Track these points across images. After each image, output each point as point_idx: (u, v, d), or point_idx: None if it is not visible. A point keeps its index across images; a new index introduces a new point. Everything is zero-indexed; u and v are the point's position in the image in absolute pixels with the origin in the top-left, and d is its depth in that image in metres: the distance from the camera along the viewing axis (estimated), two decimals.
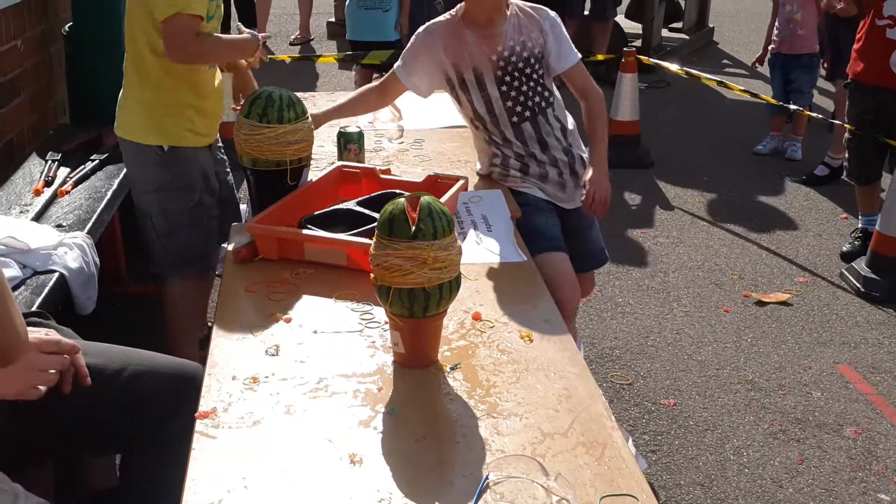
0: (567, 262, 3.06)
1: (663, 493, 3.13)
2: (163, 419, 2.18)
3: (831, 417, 3.59)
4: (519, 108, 3.10)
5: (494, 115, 3.11)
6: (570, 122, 3.28)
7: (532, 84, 3.11)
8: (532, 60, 3.09)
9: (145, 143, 3.19)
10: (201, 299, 3.57)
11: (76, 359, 2.04)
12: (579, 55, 3.21)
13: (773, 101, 6.15)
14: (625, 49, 6.58)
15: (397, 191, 2.64)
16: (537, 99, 3.12)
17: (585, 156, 3.28)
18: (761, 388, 3.78)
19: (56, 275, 2.84)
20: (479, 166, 3.28)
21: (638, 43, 8.29)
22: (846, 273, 4.74)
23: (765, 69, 6.86)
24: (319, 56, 6.88)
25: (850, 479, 3.24)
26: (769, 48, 6.50)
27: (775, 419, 3.56)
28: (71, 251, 2.99)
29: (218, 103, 3.31)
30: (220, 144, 3.51)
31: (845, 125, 5.44)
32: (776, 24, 6.39)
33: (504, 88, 3.08)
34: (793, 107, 6.00)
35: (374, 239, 1.94)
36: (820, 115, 6.07)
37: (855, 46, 4.79)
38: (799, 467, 3.29)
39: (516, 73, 3.08)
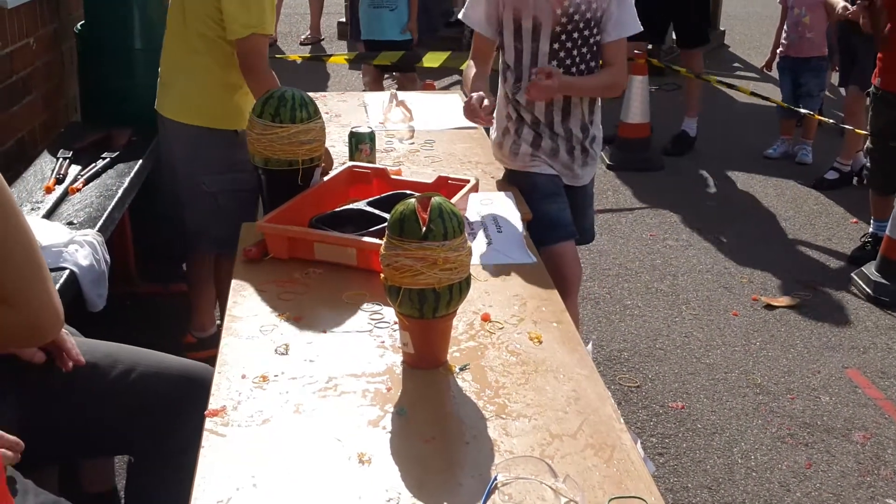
0: (574, 247, 3.16)
1: (671, 495, 3.13)
2: (171, 422, 2.18)
3: (840, 422, 3.58)
4: (562, 70, 3.04)
5: (521, 71, 3.10)
6: (599, 100, 3.29)
7: (586, 49, 3.07)
8: (593, 23, 3.04)
9: (219, 128, 3.34)
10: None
11: (61, 343, 2.11)
12: (639, 28, 3.11)
13: (784, 104, 6.15)
14: (635, 52, 6.58)
15: (408, 191, 2.64)
16: (583, 66, 3.09)
17: (600, 135, 3.31)
18: (770, 391, 3.77)
19: (66, 272, 2.85)
20: (493, 134, 3.30)
21: (648, 45, 8.27)
22: (856, 277, 4.73)
23: (774, 72, 6.85)
24: (330, 56, 6.88)
25: (858, 483, 3.23)
26: (777, 52, 6.49)
27: (783, 423, 3.56)
28: (82, 248, 3.00)
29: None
30: None
31: (860, 132, 5.45)
32: (784, 27, 6.38)
33: (556, 46, 3.04)
34: (803, 110, 5.99)
35: (385, 239, 1.94)
36: (831, 120, 6.04)
37: (879, 55, 4.75)
38: (807, 471, 3.28)
39: (575, 34, 3.03)
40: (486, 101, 2.88)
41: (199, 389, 2.10)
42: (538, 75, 2.95)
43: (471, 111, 2.91)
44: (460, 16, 3.28)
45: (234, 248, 2.72)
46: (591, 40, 3.07)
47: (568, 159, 3.21)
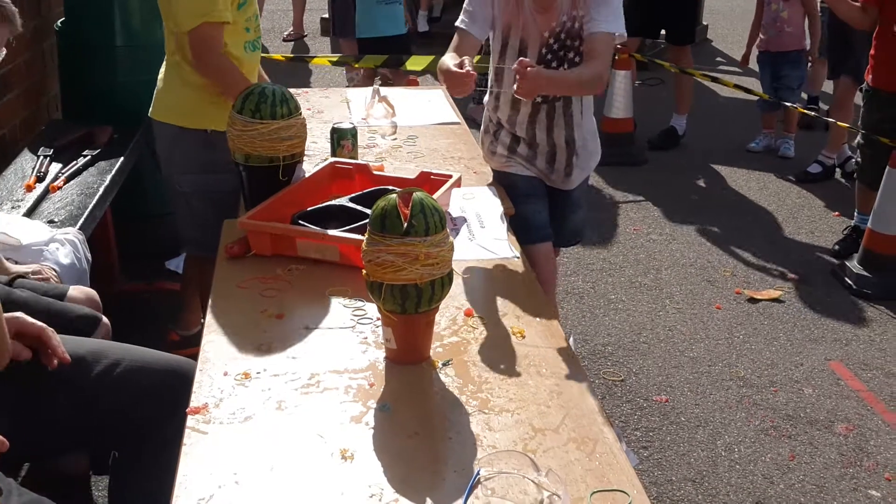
0: (549, 248, 3.16)
1: (654, 488, 3.14)
2: (158, 416, 2.18)
3: (822, 414, 3.60)
4: (556, 63, 2.97)
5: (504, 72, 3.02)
6: (591, 122, 3.24)
7: (571, 60, 2.96)
8: (579, 35, 2.91)
9: (190, 127, 3.24)
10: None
11: (47, 340, 2.12)
12: (619, 31, 2.90)
13: (766, 95, 6.16)
14: (618, 46, 6.58)
15: (390, 187, 2.64)
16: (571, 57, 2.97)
17: (594, 146, 3.28)
18: (753, 384, 3.79)
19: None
20: (482, 126, 3.29)
21: (648, 41, 8.27)
22: (838, 270, 4.76)
23: (756, 66, 6.87)
24: (314, 57, 6.85)
25: (841, 475, 3.25)
26: (756, 47, 6.50)
27: (767, 416, 3.57)
28: (63, 247, 2.99)
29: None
30: None
31: (842, 125, 5.47)
32: (762, 23, 6.38)
33: (544, 51, 2.95)
34: (788, 103, 6.01)
35: (367, 235, 1.94)
36: (812, 112, 6.06)
37: (872, 52, 4.78)
38: (790, 463, 3.30)
39: (561, 52, 2.93)
40: (466, 66, 2.69)
41: (184, 384, 2.09)
42: (518, 72, 2.74)
43: (456, 78, 2.70)
44: (464, 27, 2.99)
45: (209, 250, 2.72)
46: (577, 58, 2.96)
47: (547, 168, 3.16)
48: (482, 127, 3.26)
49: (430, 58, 5.75)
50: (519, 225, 2.89)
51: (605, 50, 2.90)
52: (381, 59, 5.84)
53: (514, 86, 2.68)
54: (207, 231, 3.07)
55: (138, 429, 2.19)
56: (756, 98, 6.25)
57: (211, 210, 3.22)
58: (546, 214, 3.14)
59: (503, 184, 3.12)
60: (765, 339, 4.14)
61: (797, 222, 5.49)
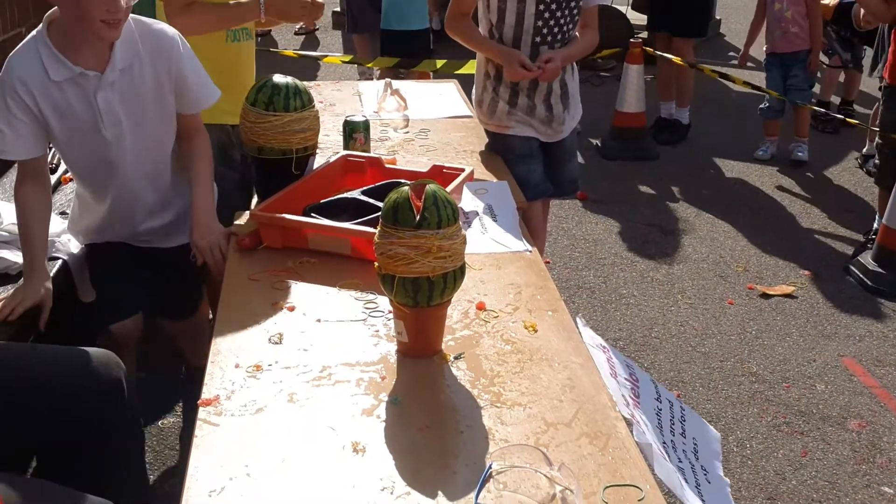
0: (540, 207, 3.43)
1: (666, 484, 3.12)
2: (88, 416, 2.19)
3: (835, 410, 3.58)
4: (546, 31, 3.17)
5: (521, 28, 3.16)
6: (577, 75, 3.47)
7: (568, 13, 3.18)
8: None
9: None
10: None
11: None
12: (605, 1, 3.33)
13: (777, 94, 6.10)
14: (631, 41, 6.56)
15: (402, 180, 2.63)
16: (565, 29, 3.21)
17: (576, 87, 3.44)
18: (765, 380, 3.77)
19: (59, 262, 2.84)
20: (473, 93, 3.46)
21: (644, 34, 8.25)
22: (852, 267, 4.73)
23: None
24: (325, 56, 6.85)
25: (854, 471, 3.23)
26: (763, 49, 6.39)
27: (779, 411, 3.56)
28: (74, 238, 2.99)
29: (235, 79, 3.15)
30: None
31: (863, 125, 5.41)
32: (767, 23, 6.26)
33: (542, 7, 3.13)
34: (799, 102, 5.95)
35: (379, 227, 1.93)
36: (820, 109, 5.94)
37: (891, 49, 4.73)
38: (802, 460, 3.28)
39: (553, 5, 3.14)
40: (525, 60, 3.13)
41: (109, 377, 2.13)
42: (541, 64, 3.13)
43: (522, 71, 3.11)
44: None
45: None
46: (574, 6, 3.19)
47: (546, 115, 3.32)
48: (478, 89, 3.39)
49: (443, 62, 5.74)
50: (517, 185, 3.07)
51: (596, 20, 3.35)
52: (393, 60, 5.81)
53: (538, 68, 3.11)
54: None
55: (70, 431, 2.19)
56: (763, 102, 6.22)
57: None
58: (541, 172, 3.37)
59: (500, 146, 3.33)
60: (777, 335, 4.12)
61: (810, 218, 5.46)
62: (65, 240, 2.95)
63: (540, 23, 3.15)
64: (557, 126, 3.36)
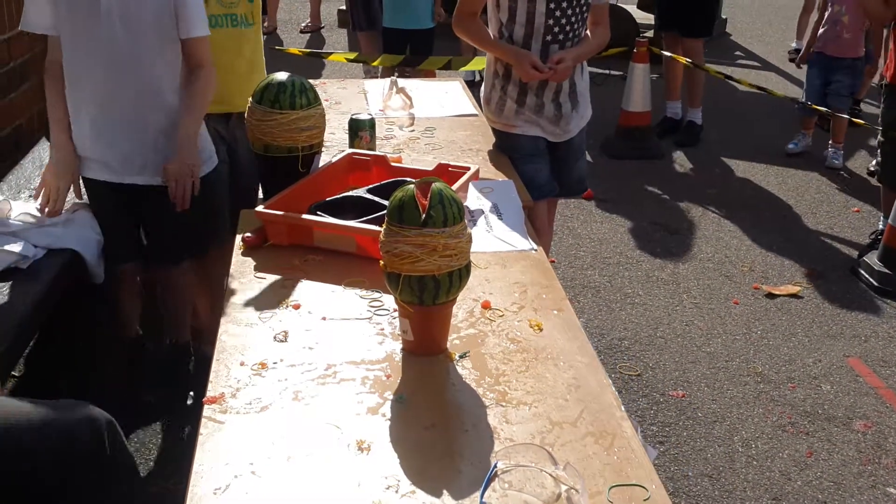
0: (545, 207, 3.40)
1: (671, 483, 3.12)
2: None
3: (841, 411, 3.57)
4: (557, 30, 3.18)
5: (531, 27, 3.17)
6: (587, 74, 3.50)
7: (578, 11, 3.19)
8: None
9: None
10: (191, 280, 3.39)
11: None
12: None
13: (779, 94, 6.08)
14: (637, 39, 6.55)
15: (407, 179, 2.63)
16: (576, 27, 3.22)
17: (587, 86, 3.46)
18: (770, 380, 3.77)
19: (69, 252, 2.87)
20: (482, 90, 3.44)
21: (650, 34, 8.24)
22: (858, 267, 4.72)
23: (777, 63, 6.80)
24: (330, 54, 6.84)
25: (859, 472, 3.22)
26: (792, 46, 6.32)
27: (784, 412, 3.55)
28: (82, 227, 3.02)
29: (217, 66, 3.09)
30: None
31: (868, 124, 5.39)
32: (823, 22, 6.17)
33: (552, 6, 3.13)
34: (823, 109, 5.91)
35: (384, 226, 1.93)
36: (862, 122, 5.84)
37: (892, 48, 4.72)
38: (808, 460, 3.28)
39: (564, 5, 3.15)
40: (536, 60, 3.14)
41: (86, 438, 2.09)
42: (552, 65, 3.15)
43: (534, 72, 3.12)
44: None
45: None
46: (584, 3, 3.20)
47: (555, 113, 3.31)
48: (486, 87, 3.39)
49: (446, 59, 5.73)
50: (522, 183, 3.08)
51: (607, 16, 3.37)
52: (399, 58, 5.80)
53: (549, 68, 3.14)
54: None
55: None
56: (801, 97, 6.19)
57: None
58: (547, 171, 3.37)
59: (507, 145, 3.32)
60: (783, 335, 4.12)
61: (816, 218, 5.45)
62: (70, 228, 2.97)
63: (551, 21, 3.15)
64: (565, 125, 3.36)
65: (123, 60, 2.90)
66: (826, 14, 6.13)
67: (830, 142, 6.31)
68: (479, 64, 5.42)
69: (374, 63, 6.08)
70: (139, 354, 3.47)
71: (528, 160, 3.29)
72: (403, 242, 1.87)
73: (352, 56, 6.57)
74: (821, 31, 6.17)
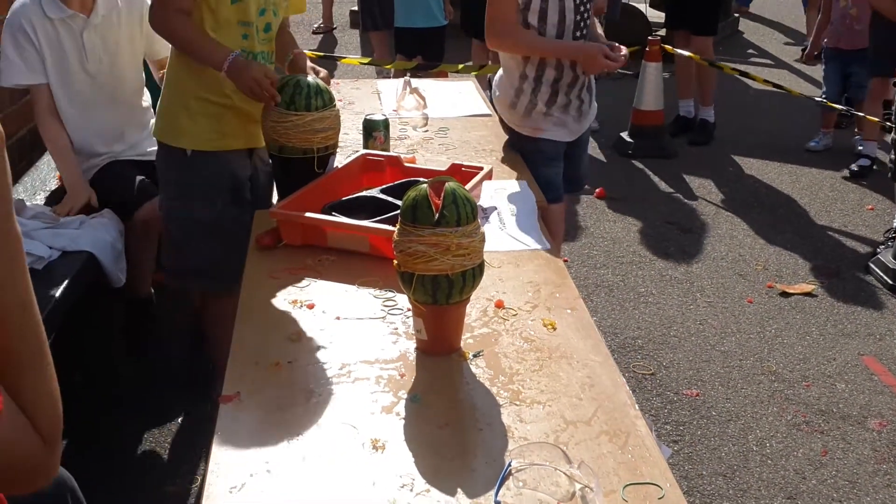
0: (562, 208, 3.49)
1: (685, 482, 3.12)
2: None
3: (855, 409, 3.56)
4: (581, 23, 3.25)
5: (563, 25, 3.20)
6: None
7: (590, 3, 3.27)
8: None
9: (172, 145, 2.96)
10: (218, 324, 3.05)
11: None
12: None
13: (794, 91, 6.06)
14: (649, 38, 6.54)
15: (421, 179, 2.63)
16: (588, 19, 3.30)
17: (595, 89, 3.50)
18: (785, 379, 3.76)
19: (85, 254, 2.89)
20: (499, 94, 3.39)
21: (662, 32, 8.22)
22: (872, 266, 4.70)
23: (790, 59, 6.78)
24: (343, 58, 6.86)
25: (874, 471, 3.21)
26: (823, 42, 6.31)
27: (799, 410, 3.54)
28: (97, 229, 3.03)
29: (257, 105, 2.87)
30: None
31: (880, 122, 5.37)
32: (831, 19, 6.16)
33: (577, 1, 3.19)
34: (854, 110, 5.89)
35: (398, 225, 1.93)
36: (876, 120, 5.82)
37: None
38: (822, 459, 3.27)
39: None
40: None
41: None
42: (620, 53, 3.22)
43: (608, 60, 3.15)
44: None
45: (189, 281, 2.86)
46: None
47: (578, 108, 3.35)
48: (511, 92, 3.32)
49: (463, 65, 5.74)
50: (540, 187, 3.09)
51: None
52: (412, 63, 5.79)
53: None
54: (183, 261, 3.03)
55: None
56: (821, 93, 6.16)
57: (184, 239, 3.01)
58: (562, 175, 3.43)
59: (527, 148, 3.32)
60: (797, 334, 4.11)
61: (830, 216, 5.43)
62: (87, 230, 2.99)
63: (578, 17, 3.21)
64: (584, 120, 3.42)
65: (106, 87, 3.50)
66: (833, 10, 6.12)
67: (859, 134, 6.28)
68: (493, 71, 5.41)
69: (389, 66, 6.08)
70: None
71: (549, 163, 3.33)
72: (417, 242, 1.88)
73: (365, 60, 6.58)
74: (829, 27, 6.17)
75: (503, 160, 3.24)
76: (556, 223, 3.33)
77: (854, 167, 6.02)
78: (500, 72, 3.43)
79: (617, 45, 3.23)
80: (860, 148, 6.18)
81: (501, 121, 3.47)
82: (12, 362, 0.93)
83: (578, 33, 3.23)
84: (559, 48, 3.22)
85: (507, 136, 3.42)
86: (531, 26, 3.19)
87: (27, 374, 0.98)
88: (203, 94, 2.88)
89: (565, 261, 3.10)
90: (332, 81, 4.07)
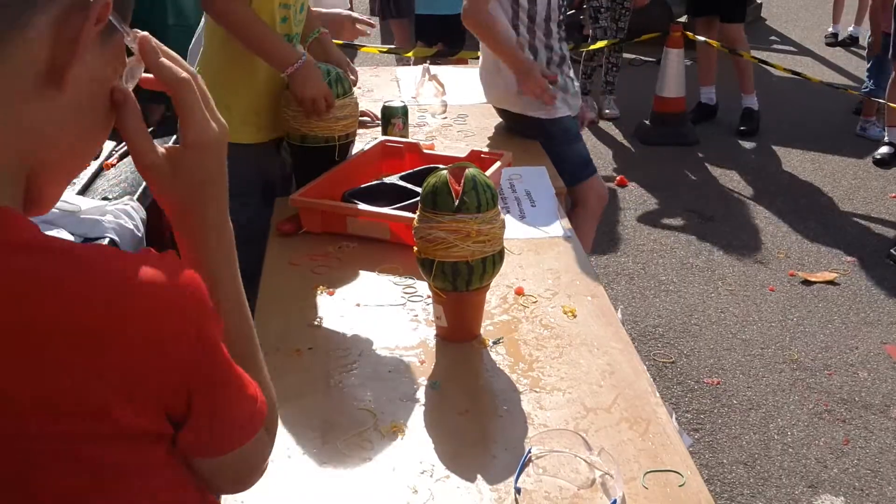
0: (600, 180, 3.51)
1: (706, 471, 3.11)
2: None
3: (878, 398, 3.54)
4: (564, 7, 3.36)
5: (550, 8, 3.24)
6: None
7: None
8: None
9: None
10: None
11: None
12: None
13: (817, 79, 5.99)
14: (671, 24, 6.50)
15: (440, 165, 2.62)
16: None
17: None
18: (807, 367, 3.74)
19: (106, 240, 2.90)
20: (502, 84, 3.33)
21: (684, 18, 8.17)
22: (895, 252, 4.66)
23: (815, 47, 6.69)
24: (362, 46, 6.85)
25: None
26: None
27: (821, 399, 3.52)
28: (119, 218, 3.05)
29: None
30: None
31: None
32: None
33: None
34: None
35: (418, 212, 1.93)
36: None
37: None
38: (844, 448, 3.25)
39: None
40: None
41: None
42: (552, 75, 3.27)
43: (541, 88, 3.16)
44: None
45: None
46: None
47: (572, 88, 3.40)
48: (513, 78, 3.26)
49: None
50: (578, 163, 3.27)
51: None
52: (432, 51, 5.78)
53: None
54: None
55: None
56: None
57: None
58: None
59: (551, 131, 3.31)
60: (819, 322, 4.08)
61: (853, 203, 5.39)
62: (110, 218, 3.00)
63: (560, 2, 3.27)
64: (578, 98, 3.45)
65: None
66: None
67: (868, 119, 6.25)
68: None
69: (407, 54, 6.06)
70: None
71: (576, 138, 3.39)
72: (437, 228, 1.87)
73: (385, 49, 6.57)
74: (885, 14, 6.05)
75: (522, 147, 3.22)
76: (603, 191, 3.45)
77: (878, 155, 5.96)
78: (485, 66, 3.38)
79: (553, 76, 3.24)
80: (885, 136, 6.12)
81: (503, 113, 3.40)
82: (236, 359, 0.94)
83: (562, 16, 3.32)
84: (510, 50, 3.20)
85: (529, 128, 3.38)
86: (520, 7, 3.21)
87: (248, 370, 0.99)
88: (237, 87, 2.75)
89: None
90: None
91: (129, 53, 0.92)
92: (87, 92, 0.86)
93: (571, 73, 3.41)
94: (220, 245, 1.01)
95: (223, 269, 1.01)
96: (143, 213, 3.25)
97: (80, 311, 0.77)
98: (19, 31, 0.79)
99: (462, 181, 1.87)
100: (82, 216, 2.98)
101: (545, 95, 3.16)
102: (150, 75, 0.94)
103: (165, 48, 0.94)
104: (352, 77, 2.94)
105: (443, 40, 5.93)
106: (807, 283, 4.43)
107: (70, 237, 2.87)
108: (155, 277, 0.82)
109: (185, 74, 0.94)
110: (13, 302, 0.76)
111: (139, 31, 0.91)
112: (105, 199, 3.21)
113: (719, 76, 6.74)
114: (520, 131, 3.34)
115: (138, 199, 3.26)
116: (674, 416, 3.13)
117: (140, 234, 3.13)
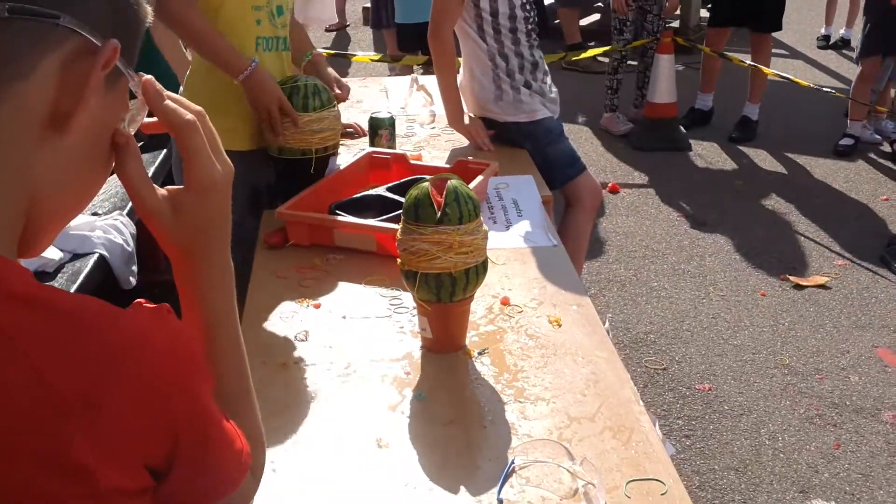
0: (592, 176, 3.52)
1: (697, 477, 3.11)
2: None
3: (869, 402, 3.55)
4: (531, 17, 3.32)
5: (515, 20, 3.26)
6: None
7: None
8: None
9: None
10: None
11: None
12: None
13: (807, 83, 6.01)
14: (662, 29, 6.52)
15: (427, 176, 2.63)
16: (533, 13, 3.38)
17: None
18: (798, 372, 3.74)
19: (95, 256, 2.91)
20: (480, 94, 3.36)
21: (676, 24, 8.20)
22: (887, 256, 4.67)
23: (807, 50, 6.69)
24: (354, 55, 6.87)
25: (888, 464, 3.20)
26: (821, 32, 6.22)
27: (812, 404, 3.53)
28: (108, 233, 3.05)
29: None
30: None
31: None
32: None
33: None
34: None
35: (401, 224, 1.94)
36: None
37: None
38: (835, 452, 3.26)
39: None
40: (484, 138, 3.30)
41: None
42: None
43: (479, 138, 3.28)
44: None
45: None
46: None
47: (549, 89, 3.43)
48: (489, 89, 3.34)
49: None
50: (565, 162, 3.30)
51: None
52: (423, 59, 5.79)
53: None
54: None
55: None
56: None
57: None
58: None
59: (534, 133, 3.35)
60: (810, 326, 4.09)
61: (844, 207, 5.40)
62: (99, 233, 3.01)
63: (525, 12, 3.28)
64: (556, 105, 3.47)
65: None
66: None
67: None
68: None
69: (399, 63, 6.08)
70: None
71: (561, 138, 3.41)
72: (420, 240, 1.88)
73: (376, 57, 6.59)
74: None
75: (509, 156, 3.23)
76: (596, 187, 3.47)
77: (839, 147, 6.05)
78: (463, 75, 3.41)
79: (488, 135, 3.31)
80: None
81: (485, 122, 3.38)
82: (231, 400, 0.95)
83: (529, 27, 3.30)
84: (454, 95, 3.30)
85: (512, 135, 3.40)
86: (483, 21, 3.23)
87: (242, 410, 1.00)
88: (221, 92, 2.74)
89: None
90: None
91: (131, 96, 0.92)
92: (90, 136, 0.85)
93: (548, 80, 3.44)
94: (223, 286, 1.00)
95: (225, 309, 1.01)
96: (133, 228, 3.25)
97: (66, 374, 0.75)
98: (23, 75, 0.77)
99: (444, 193, 1.88)
100: (71, 232, 2.98)
101: (477, 141, 3.29)
102: (151, 119, 0.93)
103: (168, 92, 0.93)
104: (338, 92, 2.95)
105: (423, 49, 5.94)
106: (798, 287, 4.44)
107: (59, 252, 2.88)
108: (146, 340, 0.81)
109: (190, 116, 0.92)
110: None
111: (143, 74, 0.90)
112: (94, 214, 3.22)
113: (733, 84, 6.75)
114: (505, 138, 3.34)
115: (128, 214, 3.27)
116: (657, 423, 3.14)
117: (130, 249, 3.13)
